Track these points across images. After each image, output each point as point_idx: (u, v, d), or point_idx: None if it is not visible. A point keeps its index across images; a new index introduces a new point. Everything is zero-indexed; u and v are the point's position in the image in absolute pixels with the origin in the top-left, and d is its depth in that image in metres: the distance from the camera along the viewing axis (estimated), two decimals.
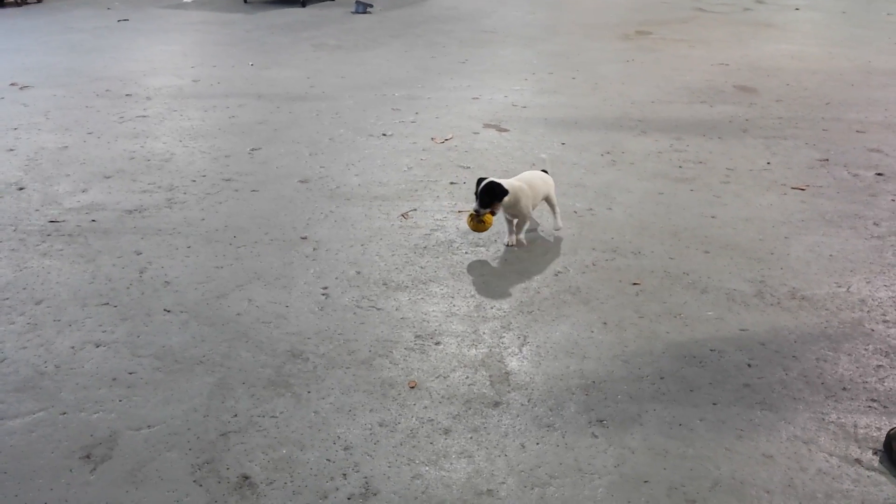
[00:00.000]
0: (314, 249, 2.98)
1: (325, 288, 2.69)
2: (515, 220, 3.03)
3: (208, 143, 4.23)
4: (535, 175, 3.09)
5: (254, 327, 2.45)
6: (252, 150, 4.13)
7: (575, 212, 3.34)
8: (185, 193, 3.53)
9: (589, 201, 3.46)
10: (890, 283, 2.73)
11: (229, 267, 2.84)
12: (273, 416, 2.05)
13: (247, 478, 1.84)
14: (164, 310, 2.55)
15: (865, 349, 2.34)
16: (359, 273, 2.79)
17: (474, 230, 2.89)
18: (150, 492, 1.80)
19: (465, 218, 3.05)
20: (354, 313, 2.53)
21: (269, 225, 3.20)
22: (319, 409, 2.08)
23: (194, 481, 1.82)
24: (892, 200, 3.46)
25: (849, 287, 2.71)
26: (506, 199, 2.84)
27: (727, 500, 1.76)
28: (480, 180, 2.85)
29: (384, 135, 4.36)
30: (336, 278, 2.75)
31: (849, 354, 2.32)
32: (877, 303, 2.61)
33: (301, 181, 3.67)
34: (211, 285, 2.70)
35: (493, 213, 2.85)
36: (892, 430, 1.92)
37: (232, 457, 1.90)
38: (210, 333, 2.41)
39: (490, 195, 2.81)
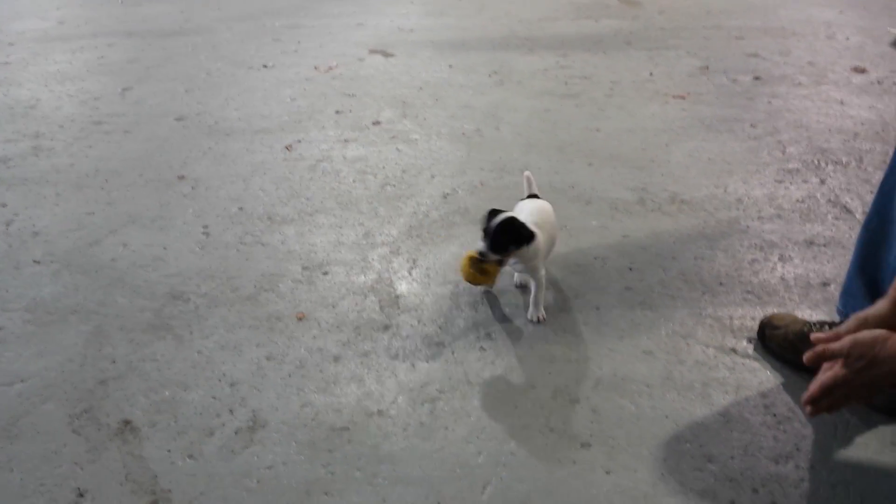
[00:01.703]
0: (193, 188, 2.86)
1: (206, 226, 2.59)
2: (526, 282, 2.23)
3: (76, 87, 3.98)
4: (543, 209, 2.23)
5: (130, 272, 2.35)
6: (124, 90, 3.91)
7: (463, 133, 3.32)
8: (52, 140, 3.32)
9: (477, 122, 3.43)
10: (765, 181, 2.83)
11: (102, 212, 2.70)
12: (154, 360, 1.98)
13: (128, 422, 1.78)
14: (34, 261, 2.41)
15: (741, 245, 2.43)
16: (241, 209, 2.70)
17: (469, 281, 2.09)
18: (27, 446, 1.72)
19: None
20: (237, 250, 2.45)
21: (143, 166, 3.05)
22: (203, 348, 2.02)
23: (73, 431, 1.75)
24: (769, 102, 3.57)
25: (726, 188, 2.79)
26: (529, 246, 2.02)
27: (609, 397, 1.82)
28: (493, 213, 2.04)
29: (265, 66, 4.20)
30: (217, 216, 2.66)
31: (725, 251, 2.40)
32: (752, 201, 2.70)
33: (177, 119, 3.51)
34: (83, 232, 2.57)
35: (500, 264, 2.05)
36: (764, 318, 2.01)
37: (111, 403, 1.83)
38: (83, 282, 2.30)
39: (508, 236, 1.99)
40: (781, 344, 1.91)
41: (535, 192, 2.36)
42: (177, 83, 3.98)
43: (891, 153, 1.71)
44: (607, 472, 1.62)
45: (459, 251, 2.43)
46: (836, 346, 1.38)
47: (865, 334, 1.38)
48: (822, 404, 1.42)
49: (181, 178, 2.95)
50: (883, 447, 1.66)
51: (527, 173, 2.39)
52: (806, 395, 1.43)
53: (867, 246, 1.77)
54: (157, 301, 2.22)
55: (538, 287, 2.09)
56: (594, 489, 1.58)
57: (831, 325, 1.92)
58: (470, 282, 2.10)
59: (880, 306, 1.51)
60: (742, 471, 1.60)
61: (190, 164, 3.06)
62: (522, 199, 2.32)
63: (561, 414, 1.78)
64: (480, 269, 2.04)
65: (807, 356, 1.42)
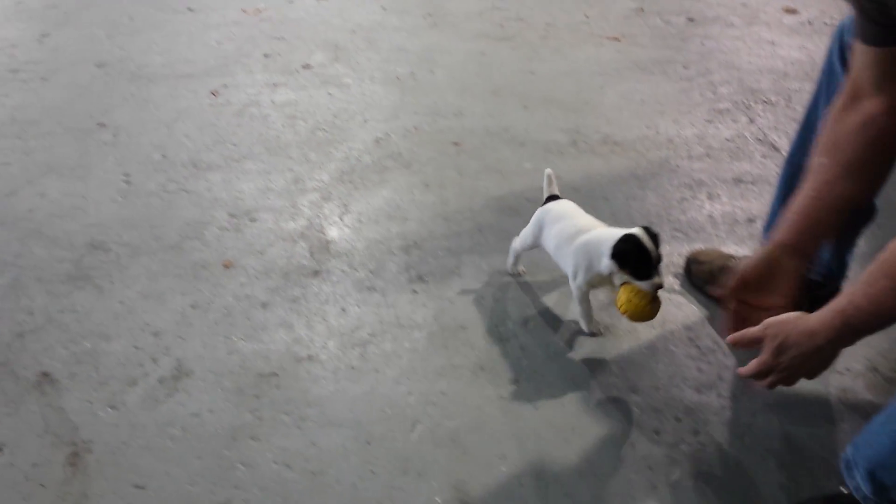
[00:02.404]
0: (114, 136, 2.75)
1: (127, 175, 2.50)
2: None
3: None
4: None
5: (48, 222, 2.25)
6: (42, 36, 3.72)
7: (397, 77, 3.25)
8: None
9: (411, 65, 3.37)
10: (695, 121, 2.85)
11: (18, 162, 2.58)
12: (73, 311, 1.92)
13: (47, 374, 1.72)
14: None
15: (670, 185, 2.44)
16: (164, 156, 2.61)
17: (646, 318, 1.65)
18: None
19: (618, 295, 1.67)
20: (161, 198, 2.38)
21: (62, 114, 2.92)
22: (125, 298, 1.96)
23: None
24: (702, 43, 3.58)
25: (657, 129, 2.80)
26: None
27: (538, 335, 1.83)
28: (629, 238, 1.62)
29: (190, 9, 4.03)
30: (139, 164, 2.56)
31: (655, 191, 2.41)
32: (683, 141, 2.71)
33: (98, 65, 3.35)
34: None
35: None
36: (689, 254, 2.03)
37: (29, 356, 1.77)
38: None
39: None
40: (706, 278, 1.94)
41: (556, 192, 1.97)
42: (98, 28, 3.80)
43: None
44: (535, 408, 1.63)
45: (392, 196, 2.40)
46: (752, 332, 1.37)
47: (779, 318, 1.37)
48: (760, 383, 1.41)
49: (102, 125, 2.83)
50: None
51: (548, 171, 1.99)
52: (742, 372, 1.41)
53: (791, 179, 1.79)
54: (77, 251, 2.14)
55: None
56: (522, 423, 1.59)
57: None
58: (646, 318, 1.66)
59: (759, 260, 1.50)
60: (666, 401, 1.63)
61: (111, 112, 2.94)
62: (545, 204, 1.93)
63: (491, 353, 1.78)
64: (656, 298, 1.65)
65: (729, 339, 1.42)
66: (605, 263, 1.64)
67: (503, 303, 1.94)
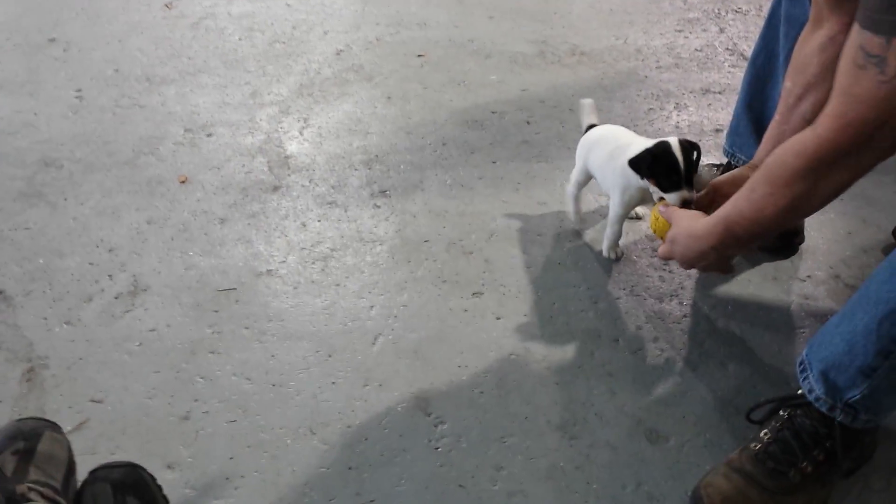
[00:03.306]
0: (64, 51, 2.64)
1: (79, 90, 2.41)
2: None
3: None
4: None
5: None
6: None
7: None
8: None
9: None
10: (664, 31, 2.79)
11: None
12: (26, 229, 1.86)
13: (0, 292, 1.68)
14: None
15: (638, 94, 2.40)
16: (117, 71, 2.51)
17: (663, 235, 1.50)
18: None
19: (648, 212, 1.76)
20: (114, 113, 2.29)
21: (10, 30, 2.79)
22: (78, 215, 1.91)
23: None
24: None
25: (626, 39, 2.74)
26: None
27: (502, 247, 1.81)
28: (658, 151, 1.52)
29: None
30: (91, 79, 2.47)
31: (622, 101, 2.37)
32: (651, 51, 2.66)
33: None
34: None
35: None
36: None
37: None
38: None
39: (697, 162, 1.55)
40: None
41: (595, 121, 1.85)
42: None
43: None
44: (498, 318, 1.63)
45: (353, 109, 2.34)
46: (664, 220, 1.49)
47: (679, 212, 1.45)
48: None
49: (52, 40, 2.72)
50: (764, 281, 1.72)
51: (587, 101, 1.88)
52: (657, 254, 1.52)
53: (754, 82, 1.77)
54: (29, 168, 2.07)
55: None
56: (484, 334, 1.59)
57: (719, 167, 1.94)
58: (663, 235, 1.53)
59: (736, 171, 1.53)
60: (627, 310, 1.64)
61: (61, 26, 2.81)
62: (587, 133, 1.81)
63: (454, 266, 1.77)
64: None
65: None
66: (634, 175, 1.58)
67: (467, 216, 1.91)
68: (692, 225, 1.36)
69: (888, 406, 1.17)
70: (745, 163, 1.77)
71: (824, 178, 1.09)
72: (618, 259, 1.78)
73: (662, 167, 1.51)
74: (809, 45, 1.39)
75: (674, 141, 1.52)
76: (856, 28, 1.02)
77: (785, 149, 1.13)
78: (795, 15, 1.58)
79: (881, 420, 1.22)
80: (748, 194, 1.21)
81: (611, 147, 1.67)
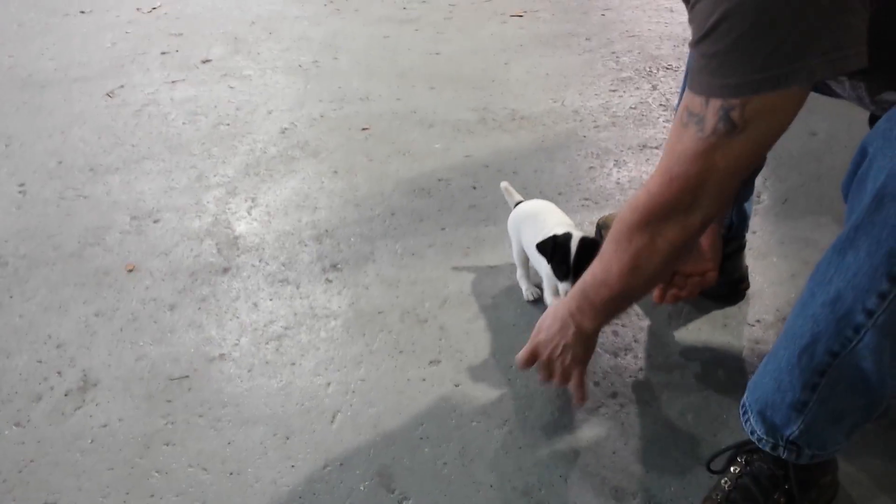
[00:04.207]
0: (6, 146, 2.62)
1: (22, 185, 2.38)
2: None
3: None
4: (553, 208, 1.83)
5: None
6: None
7: (300, 66, 3.19)
8: None
9: (314, 53, 3.31)
10: (599, 91, 2.88)
11: None
12: None
13: None
14: None
15: (578, 154, 2.47)
16: (60, 163, 2.50)
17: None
18: None
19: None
20: (58, 206, 2.27)
21: None
22: (24, 311, 1.87)
23: None
24: (602, 15, 3.63)
25: (563, 101, 2.82)
26: None
27: (456, 313, 1.82)
28: (557, 238, 1.61)
29: (82, 12, 3.88)
30: (34, 172, 2.45)
31: (563, 162, 2.43)
32: (588, 112, 2.74)
33: None
34: None
35: None
36: (599, 220, 2.05)
37: None
38: None
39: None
40: None
41: (521, 199, 1.91)
42: None
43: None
44: (456, 385, 1.62)
45: (301, 185, 2.36)
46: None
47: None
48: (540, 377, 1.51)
49: None
50: (714, 329, 1.75)
51: (504, 184, 1.95)
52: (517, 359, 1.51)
53: None
54: None
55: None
56: (443, 402, 1.58)
57: None
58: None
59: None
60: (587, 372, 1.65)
61: (2, 122, 2.80)
62: (518, 206, 1.87)
63: (409, 335, 1.77)
64: None
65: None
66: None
67: (419, 284, 1.92)
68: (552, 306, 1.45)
69: (830, 438, 1.18)
70: None
71: (659, 234, 1.16)
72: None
73: (560, 256, 1.59)
74: None
75: (577, 236, 1.61)
76: (686, 90, 1.09)
77: (625, 207, 1.21)
78: None
79: (830, 454, 1.23)
80: (599, 255, 1.28)
81: (538, 226, 1.73)
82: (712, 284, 1.69)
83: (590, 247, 1.56)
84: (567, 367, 1.43)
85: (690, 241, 1.17)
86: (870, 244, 0.96)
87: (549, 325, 1.43)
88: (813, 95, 1.10)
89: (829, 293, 1.03)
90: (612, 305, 1.33)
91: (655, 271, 1.22)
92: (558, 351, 1.42)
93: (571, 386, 1.46)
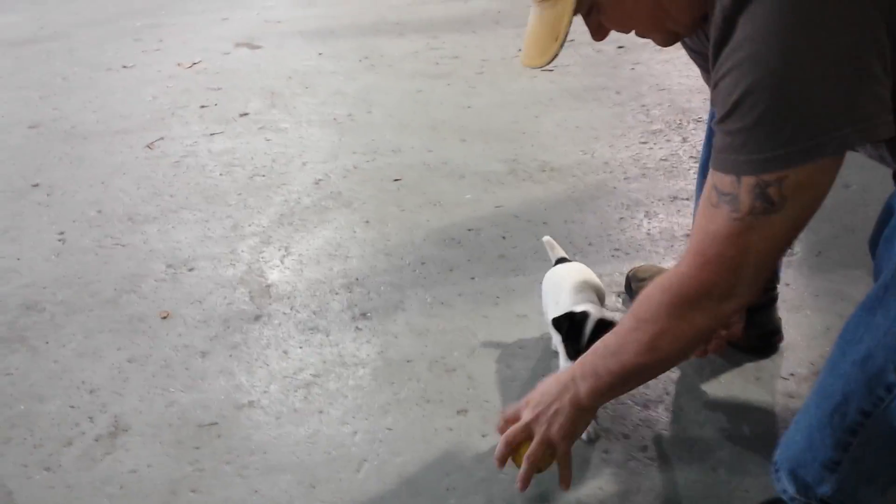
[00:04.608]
0: (48, 195, 2.70)
1: (62, 233, 2.45)
2: None
3: None
4: (586, 276, 1.75)
5: None
6: None
7: (335, 119, 3.26)
8: None
9: (348, 107, 3.39)
10: (629, 143, 2.90)
11: None
12: (7, 374, 1.85)
13: None
14: None
15: (608, 206, 2.47)
16: (100, 212, 2.57)
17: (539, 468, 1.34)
18: None
19: None
20: (96, 254, 2.33)
21: None
22: (60, 357, 1.90)
23: None
24: (632, 69, 3.66)
25: (593, 153, 2.84)
26: None
27: (484, 363, 1.81)
28: (576, 318, 1.54)
29: (125, 67, 4.02)
30: (74, 221, 2.52)
31: (594, 213, 2.43)
32: (618, 163, 2.75)
33: (31, 127, 3.31)
34: None
35: None
36: (629, 271, 2.05)
37: None
38: None
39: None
40: None
41: (563, 254, 1.86)
42: (30, 91, 3.77)
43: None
44: (483, 436, 1.61)
45: (333, 235, 2.39)
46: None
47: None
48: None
49: (35, 186, 2.79)
50: (747, 383, 1.72)
51: (546, 238, 1.91)
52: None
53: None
54: (10, 314, 2.08)
55: None
56: (470, 453, 1.57)
57: None
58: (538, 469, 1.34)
59: None
60: (613, 419, 1.63)
61: (44, 171, 2.89)
62: (550, 271, 1.81)
63: (437, 385, 1.76)
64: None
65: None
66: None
67: (448, 334, 1.92)
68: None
69: (864, 498, 1.15)
70: None
71: (686, 319, 1.11)
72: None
73: (573, 335, 1.54)
74: None
75: (595, 316, 1.53)
76: (710, 169, 1.05)
77: (653, 285, 1.16)
78: None
79: None
80: (616, 328, 1.24)
81: (560, 297, 1.68)
82: (739, 337, 1.67)
83: (605, 329, 1.44)
84: (551, 437, 1.27)
85: (717, 328, 1.13)
86: None
87: (547, 386, 1.32)
88: None
89: (860, 352, 1.01)
90: (618, 381, 1.24)
91: (673, 356, 1.18)
92: (549, 412, 1.28)
93: (558, 462, 1.33)
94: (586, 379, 1.26)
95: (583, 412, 1.29)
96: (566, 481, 1.35)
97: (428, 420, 1.66)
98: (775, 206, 0.99)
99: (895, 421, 1.01)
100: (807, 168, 0.96)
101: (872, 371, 1.00)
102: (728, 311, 1.09)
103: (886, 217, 1.01)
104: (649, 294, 1.16)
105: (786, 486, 1.20)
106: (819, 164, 0.97)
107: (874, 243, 1.04)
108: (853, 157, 1.40)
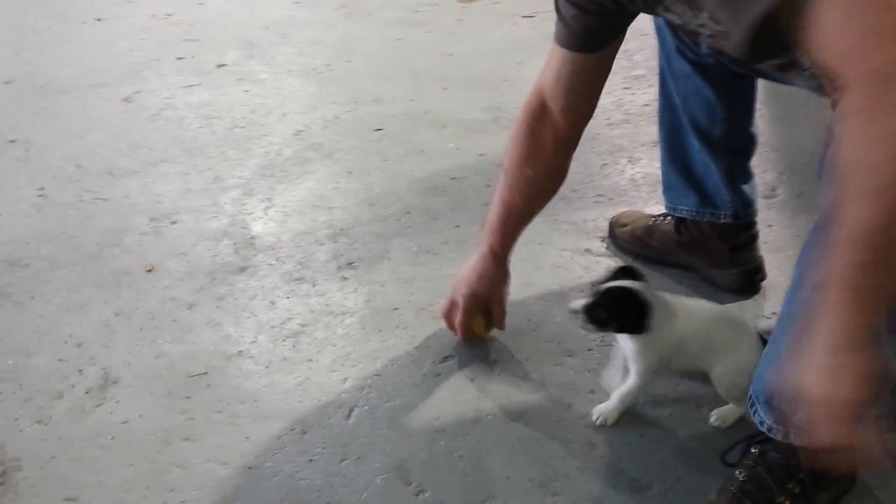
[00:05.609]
0: (26, 151, 2.66)
1: (41, 189, 2.42)
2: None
3: None
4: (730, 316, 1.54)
5: None
6: None
7: (314, 69, 3.21)
8: None
9: (327, 57, 3.33)
10: (612, 89, 2.88)
11: None
12: None
13: None
14: None
15: (592, 152, 2.47)
16: (79, 167, 2.53)
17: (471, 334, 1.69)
18: None
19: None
20: (77, 209, 2.31)
21: None
22: (45, 312, 1.90)
23: None
24: None
25: None
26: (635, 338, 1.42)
27: None
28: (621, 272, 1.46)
29: (98, 20, 3.91)
30: (53, 177, 2.48)
31: (577, 159, 2.36)
32: (600, 109, 2.68)
33: (5, 83, 3.23)
34: None
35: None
36: (613, 217, 2.06)
37: None
38: None
39: (620, 311, 1.39)
40: (629, 240, 1.98)
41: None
42: (3, 45, 3.66)
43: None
44: (472, 380, 1.64)
45: (316, 186, 2.38)
46: None
47: None
48: None
49: (12, 142, 2.73)
50: None
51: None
52: None
53: (669, 137, 1.85)
54: None
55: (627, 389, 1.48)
56: (458, 396, 1.59)
57: (659, 217, 1.98)
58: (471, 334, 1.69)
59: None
60: (599, 360, 1.65)
61: (21, 127, 2.84)
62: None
63: (424, 331, 1.78)
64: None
65: None
66: None
67: (434, 281, 1.93)
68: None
69: None
70: (686, 213, 1.84)
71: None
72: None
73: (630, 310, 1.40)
74: (541, 138, 1.64)
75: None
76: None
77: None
78: (677, 69, 1.71)
79: None
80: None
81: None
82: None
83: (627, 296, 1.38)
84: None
85: None
86: None
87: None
88: None
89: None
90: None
91: None
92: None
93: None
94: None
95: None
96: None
97: (416, 366, 1.68)
98: None
99: None
100: None
101: None
102: None
103: (828, 141, 1.01)
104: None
105: (763, 418, 1.23)
106: None
107: (820, 169, 1.05)
108: None
